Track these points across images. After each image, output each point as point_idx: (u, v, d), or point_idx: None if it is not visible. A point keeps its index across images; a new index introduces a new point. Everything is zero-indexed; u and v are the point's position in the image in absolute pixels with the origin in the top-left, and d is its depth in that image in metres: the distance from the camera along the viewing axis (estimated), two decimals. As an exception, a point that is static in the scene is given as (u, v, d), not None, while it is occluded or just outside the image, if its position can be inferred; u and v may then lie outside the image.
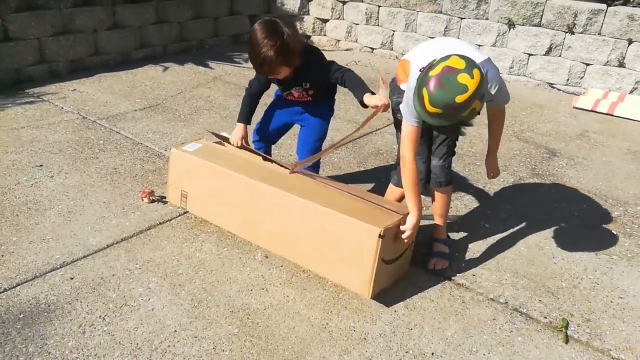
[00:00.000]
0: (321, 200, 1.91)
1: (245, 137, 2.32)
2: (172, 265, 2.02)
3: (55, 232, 2.18)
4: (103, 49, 4.49)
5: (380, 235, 1.72)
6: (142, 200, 2.44)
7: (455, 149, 2.09)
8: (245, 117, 2.30)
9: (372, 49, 5.42)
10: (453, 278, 2.02)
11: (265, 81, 2.26)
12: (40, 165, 2.74)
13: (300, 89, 2.22)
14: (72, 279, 1.91)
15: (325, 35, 5.70)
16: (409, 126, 1.80)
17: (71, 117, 3.39)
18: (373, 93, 2.01)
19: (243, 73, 4.51)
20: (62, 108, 3.54)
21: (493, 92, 1.78)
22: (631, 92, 4.19)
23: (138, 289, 1.87)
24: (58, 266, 1.98)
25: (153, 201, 2.44)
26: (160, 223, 2.28)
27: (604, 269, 2.13)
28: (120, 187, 2.58)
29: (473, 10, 4.66)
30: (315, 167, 2.38)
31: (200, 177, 2.26)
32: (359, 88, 2.04)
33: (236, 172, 2.11)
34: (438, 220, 2.15)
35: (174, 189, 2.36)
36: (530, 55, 4.53)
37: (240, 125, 2.29)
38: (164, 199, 2.45)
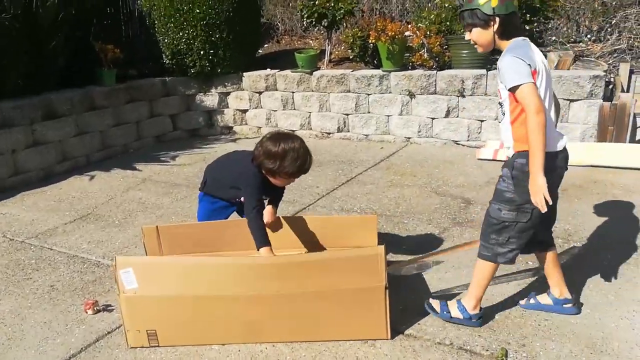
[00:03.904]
0: (312, 279, 2.03)
1: None
2: (127, 372, 1.99)
3: (-5, 363, 2.08)
4: (23, 168, 4.44)
5: (385, 287, 2.00)
6: (87, 312, 2.40)
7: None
8: (267, 239, 2.25)
9: (293, 130, 5.77)
10: (401, 330, 2.16)
11: None
12: (-31, 296, 2.62)
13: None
14: (20, 408, 1.83)
15: (247, 124, 6.01)
16: (529, 85, 1.80)
17: (-3, 241, 3.29)
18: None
19: (172, 170, 4.62)
20: (-14, 233, 3.43)
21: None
22: (522, 138, 4.77)
23: (94, 404, 1.82)
24: (3, 398, 1.88)
25: (98, 311, 2.40)
26: (108, 332, 2.25)
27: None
28: (61, 304, 2.52)
29: (377, 86, 5.19)
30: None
31: (170, 311, 2.09)
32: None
33: (217, 292, 2.05)
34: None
35: (135, 332, 2.11)
36: (433, 119, 5.07)
37: (267, 248, 2.21)
38: (109, 307, 2.42)
